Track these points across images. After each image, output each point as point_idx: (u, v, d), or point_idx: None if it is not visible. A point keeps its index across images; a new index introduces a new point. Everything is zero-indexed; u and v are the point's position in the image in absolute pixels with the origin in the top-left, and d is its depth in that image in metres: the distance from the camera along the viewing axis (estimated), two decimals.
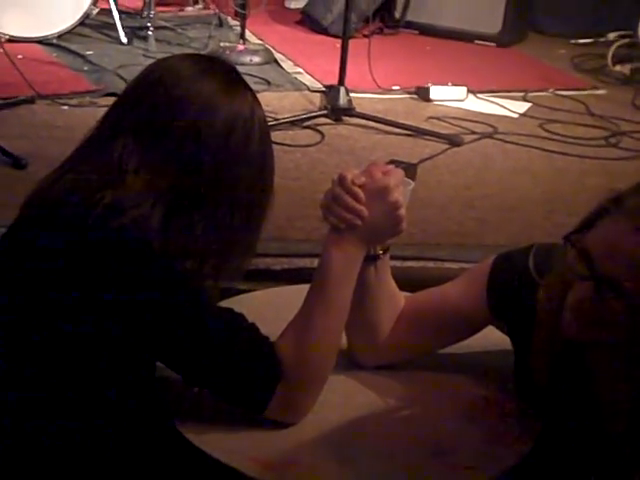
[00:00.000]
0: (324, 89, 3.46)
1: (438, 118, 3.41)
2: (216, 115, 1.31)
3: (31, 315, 1.29)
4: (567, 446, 1.32)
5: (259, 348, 1.30)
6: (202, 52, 3.63)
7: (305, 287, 1.36)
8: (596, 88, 3.98)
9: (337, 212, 1.32)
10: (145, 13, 4.16)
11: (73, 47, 3.86)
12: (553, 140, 3.26)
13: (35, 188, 1.36)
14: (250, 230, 1.39)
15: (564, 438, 1.32)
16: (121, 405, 1.34)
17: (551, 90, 3.88)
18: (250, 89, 1.38)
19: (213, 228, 1.33)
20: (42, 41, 3.88)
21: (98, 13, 4.05)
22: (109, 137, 1.33)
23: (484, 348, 1.52)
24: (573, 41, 4.64)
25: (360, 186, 1.32)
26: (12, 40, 3.71)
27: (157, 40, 4.00)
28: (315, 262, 2.14)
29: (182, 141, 1.30)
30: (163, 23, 4.22)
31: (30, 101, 3.16)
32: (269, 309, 1.40)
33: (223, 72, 1.37)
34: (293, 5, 4.98)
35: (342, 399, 1.41)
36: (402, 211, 1.33)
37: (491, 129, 3.33)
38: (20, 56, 3.51)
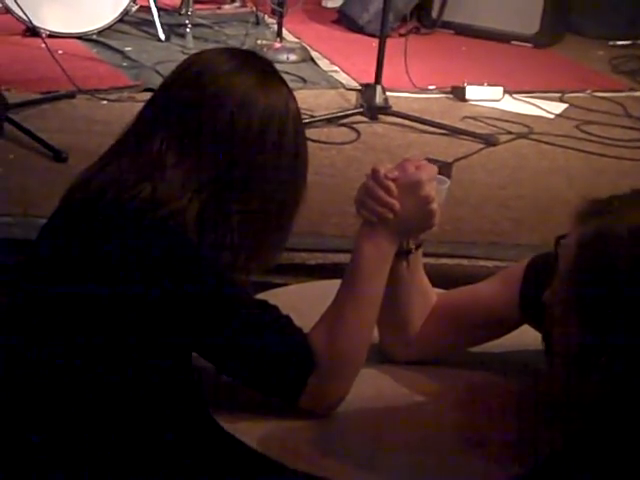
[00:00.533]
0: (360, 87, 3.47)
1: (474, 118, 3.40)
2: (252, 110, 1.33)
3: (69, 307, 1.32)
4: (598, 447, 1.31)
5: (292, 339, 1.31)
6: None
7: (339, 282, 1.37)
8: (634, 90, 3.94)
9: (370, 205, 1.34)
10: (183, 10, 4.21)
11: (112, 43, 3.91)
12: (590, 141, 3.24)
13: (74, 181, 1.39)
14: (282, 224, 1.41)
15: (595, 439, 1.32)
16: (158, 393, 1.36)
17: (588, 91, 3.85)
18: (285, 83, 1.40)
19: (247, 221, 1.35)
20: (82, 37, 3.93)
21: (137, 10, 4.10)
22: (147, 132, 1.35)
23: (519, 347, 1.51)
24: (611, 43, 4.61)
25: (393, 180, 1.33)
26: (52, 35, 3.77)
27: (195, 37, 4.03)
28: (349, 257, 2.19)
29: (219, 136, 1.32)
30: (201, 21, 4.26)
31: (70, 96, 3.21)
32: (303, 303, 1.41)
33: (259, 66, 1.39)
34: (330, 4, 4.99)
35: (374, 392, 1.42)
36: (434, 206, 1.34)
37: (527, 129, 3.32)
38: (60, 51, 3.56)
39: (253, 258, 1.38)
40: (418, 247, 1.44)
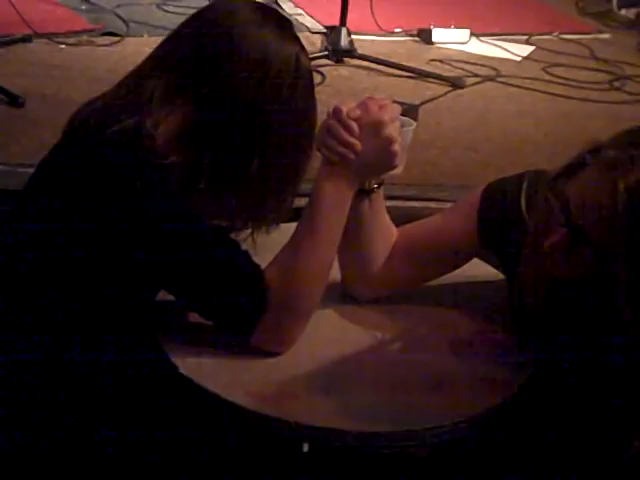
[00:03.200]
0: (325, 31, 3.41)
1: (440, 61, 3.37)
2: (265, 61, 1.31)
3: (48, 235, 1.30)
4: (562, 377, 1.32)
5: (248, 273, 1.30)
6: None
7: (292, 225, 1.35)
8: (601, 32, 3.94)
9: (331, 145, 1.31)
10: None
11: None
12: (557, 84, 3.23)
13: (70, 116, 1.36)
14: (283, 188, 1.38)
15: (559, 369, 1.33)
16: (118, 333, 1.34)
17: (555, 34, 3.83)
18: (299, 41, 1.38)
19: (247, 183, 1.33)
20: None
21: None
22: (148, 72, 1.34)
23: (475, 280, 1.52)
24: None
25: (355, 119, 1.30)
26: None
27: None
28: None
29: (227, 84, 1.30)
30: None
31: (27, 40, 3.12)
32: (263, 245, 1.39)
33: (277, 20, 1.37)
34: None
35: (339, 334, 1.41)
36: (395, 147, 1.31)
37: (494, 72, 3.30)
38: None
39: (254, 219, 1.37)
40: (380, 185, 1.42)
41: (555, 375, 1.33)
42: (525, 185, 1.36)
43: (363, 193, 1.39)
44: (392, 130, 1.31)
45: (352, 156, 1.30)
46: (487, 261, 1.54)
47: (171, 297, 1.34)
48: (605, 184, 1.17)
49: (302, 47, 1.37)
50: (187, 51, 1.33)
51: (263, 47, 1.31)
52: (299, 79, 1.34)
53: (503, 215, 1.37)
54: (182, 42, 1.35)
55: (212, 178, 1.33)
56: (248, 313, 1.30)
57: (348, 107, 1.31)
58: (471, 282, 1.52)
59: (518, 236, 1.32)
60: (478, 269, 1.53)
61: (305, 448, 1.45)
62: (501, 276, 1.48)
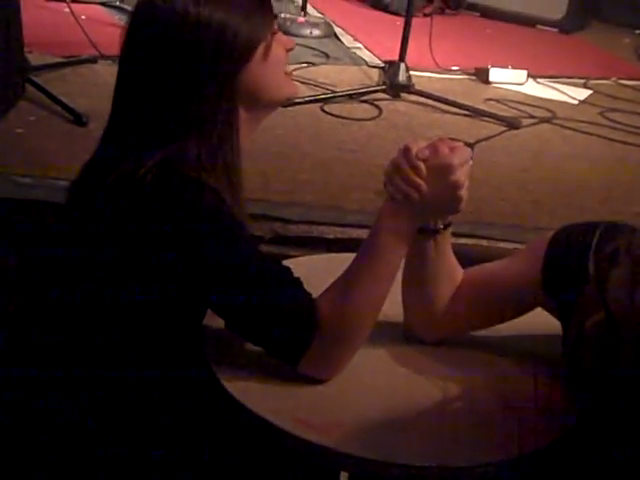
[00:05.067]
0: (383, 65, 3.44)
1: (496, 100, 3.38)
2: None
3: (86, 266, 1.33)
4: (611, 428, 1.31)
5: (300, 301, 1.30)
6: None
7: (352, 255, 1.35)
8: None
9: (396, 183, 1.31)
10: None
11: None
12: (613, 128, 3.21)
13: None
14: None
15: (610, 420, 1.31)
16: (169, 356, 1.36)
17: (613, 79, 3.81)
18: None
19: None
20: (105, 3, 3.91)
21: None
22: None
23: (535, 331, 1.49)
24: (638, 31, 4.57)
25: (423, 160, 1.31)
26: (76, 1, 3.74)
27: None
28: (367, 232, 2.17)
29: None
30: None
31: (92, 61, 3.19)
32: (312, 274, 1.40)
33: None
34: None
35: (388, 366, 1.41)
36: (462, 192, 1.30)
37: (550, 114, 3.29)
38: (83, 17, 3.53)
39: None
40: (447, 227, 1.41)
41: (603, 427, 1.32)
42: (595, 241, 1.31)
43: (429, 233, 1.38)
44: (460, 175, 1.30)
45: (416, 196, 1.30)
46: (552, 311, 1.51)
47: (220, 321, 1.35)
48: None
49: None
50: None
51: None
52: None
53: (568, 268, 1.34)
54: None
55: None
56: (297, 342, 1.30)
57: (418, 147, 1.31)
58: (528, 330, 1.50)
59: (580, 291, 1.30)
60: (539, 318, 1.49)
61: (343, 478, 1.45)
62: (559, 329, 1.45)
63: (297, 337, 1.29)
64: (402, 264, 1.39)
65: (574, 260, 1.34)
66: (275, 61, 1.37)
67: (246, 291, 1.28)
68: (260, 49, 1.34)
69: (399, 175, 1.31)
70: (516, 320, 1.46)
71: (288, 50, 1.41)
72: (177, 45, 1.30)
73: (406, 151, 1.31)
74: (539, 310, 1.48)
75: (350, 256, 1.36)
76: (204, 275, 1.28)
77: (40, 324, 1.39)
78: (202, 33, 1.30)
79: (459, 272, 1.47)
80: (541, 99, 3.47)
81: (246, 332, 1.33)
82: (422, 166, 1.30)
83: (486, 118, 3.16)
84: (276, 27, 1.38)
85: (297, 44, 1.78)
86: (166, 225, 1.26)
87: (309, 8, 4.07)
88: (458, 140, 2.75)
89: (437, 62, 3.59)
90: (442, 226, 1.40)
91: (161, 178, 1.26)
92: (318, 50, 3.65)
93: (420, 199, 1.30)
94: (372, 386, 1.36)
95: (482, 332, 1.48)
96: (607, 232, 1.33)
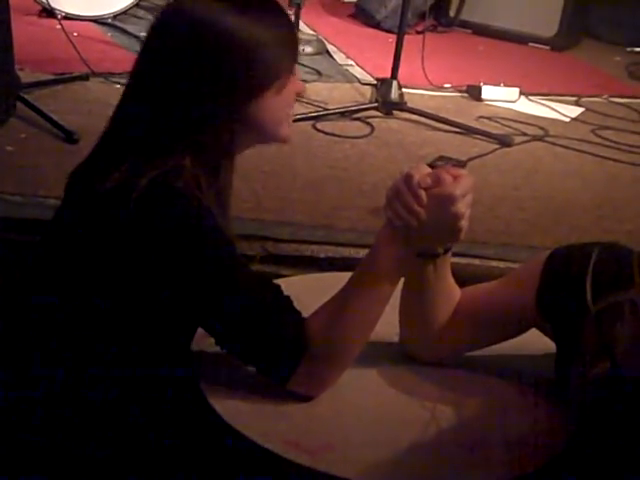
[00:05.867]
0: (375, 82, 3.44)
1: (489, 118, 3.38)
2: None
3: (80, 279, 1.32)
4: (600, 449, 1.30)
5: (290, 320, 1.30)
6: None
7: (343, 275, 1.35)
8: None
9: (396, 208, 1.29)
10: None
11: (128, 28, 3.88)
12: (605, 146, 3.21)
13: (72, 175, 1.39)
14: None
15: (598, 442, 1.30)
16: (154, 375, 1.35)
17: (605, 96, 3.83)
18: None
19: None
20: (97, 20, 3.91)
21: None
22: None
23: (526, 351, 1.49)
24: (629, 49, 4.58)
25: (425, 189, 1.28)
26: (68, 17, 3.74)
27: None
28: (360, 252, 2.17)
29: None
30: None
31: (84, 78, 3.19)
32: (307, 292, 1.39)
33: None
34: None
35: (379, 387, 1.41)
36: (463, 223, 1.29)
37: (542, 132, 3.30)
38: (75, 34, 3.53)
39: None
40: (447, 251, 1.40)
41: (596, 444, 1.31)
42: (592, 264, 1.31)
43: (429, 257, 1.37)
44: (462, 206, 1.28)
45: (415, 224, 1.28)
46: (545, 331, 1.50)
47: (211, 341, 1.34)
48: None
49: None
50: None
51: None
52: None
53: (564, 290, 1.33)
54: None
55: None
56: (285, 362, 1.29)
57: (420, 174, 1.29)
58: (520, 349, 1.49)
59: (576, 316, 1.30)
60: (532, 337, 1.49)
61: None
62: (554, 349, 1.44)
63: (285, 357, 1.29)
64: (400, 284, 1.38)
65: (569, 286, 1.33)
66: (286, 99, 1.36)
67: (236, 308, 1.27)
68: (279, 82, 1.33)
69: (399, 201, 1.29)
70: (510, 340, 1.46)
71: (297, 94, 1.40)
72: (203, 55, 1.28)
73: (408, 178, 1.29)
74: (532, 330, 1.47)
75: (341, 275, 1.36)
76: (194, 290, 1.27)
77: (24, 330, 1.38)
78: (234, 44, 1.28)
79: (457, 293, 1.46)
80: (533, 117, 3.47)
81: (234, 350, 1.33)
82: (423, 194, 1.28)
83: (478, 136, 3.16)
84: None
85: None
86: (159, 239, 1.25)
87: (301, 25, 4.06)
88: (451, 158, 2.77)
89: (429, 79, 3.59)
90: (442, 251, 1.39)
91: (156, 191, 1.25)
92: (310, 67, 3.65)
93: (419, 227, 1.29)
94: (362, 407, 1.35)
95: (476, 352, 1.47)
96: (603, 257, 1.32)
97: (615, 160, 3.09)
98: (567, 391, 1.33)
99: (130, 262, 1.27)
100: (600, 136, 3.31)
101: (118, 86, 3.19)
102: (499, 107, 3.53)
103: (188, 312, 1.31)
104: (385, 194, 1.32)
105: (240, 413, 1.30)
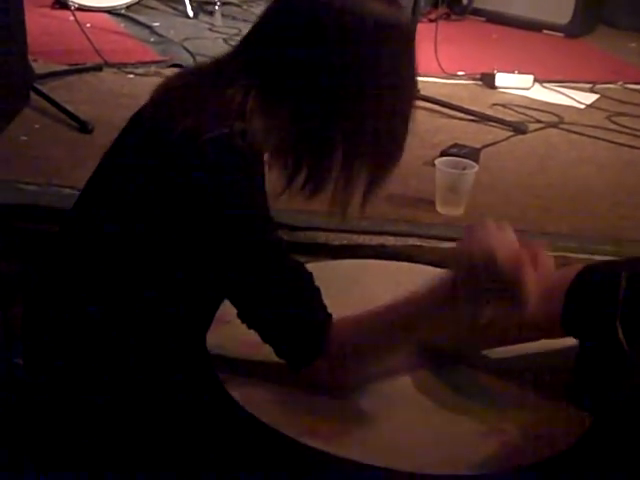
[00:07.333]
0: None
1: (503, 105, 3.36)
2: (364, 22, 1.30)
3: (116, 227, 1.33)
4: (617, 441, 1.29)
5: (315, 313, 1.28)
6: None
7: (357, 262, 1.34)
8: None
9: (467, 281, 1.20)
10: None
11: (140, 18, 3.90)
12: (620, 132, 3.19)
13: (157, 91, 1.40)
14: (391, 156, 1.39)
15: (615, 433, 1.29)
16: (170, 359, 1.37)
17: (620, 83, 3.80)
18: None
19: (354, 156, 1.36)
20: (110, 11, 3.93)
21: None
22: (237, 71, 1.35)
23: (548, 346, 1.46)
24: None
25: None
26: (81, 9, 3.76)
27: (223, 15, 4.00)
28: (373, 239, 2.17)
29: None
30: None
31: (97, 69, 3.21)
32: (321, 280, 1.38)
33: None
34: None
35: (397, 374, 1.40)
36: (528, 307, 1.19)
37: (557, 119, 3.28)
38: (88, 25, 3.55)
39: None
40: None
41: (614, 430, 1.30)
42: (626, 284, 1.27)
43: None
44: (533, 299, 1.18)
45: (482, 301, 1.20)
46: None
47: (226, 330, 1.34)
48: None
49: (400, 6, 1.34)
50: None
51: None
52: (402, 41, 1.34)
53: (593, 310, 1.30)
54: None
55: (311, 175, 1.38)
56: (307, 348, 1.28)
57: (502, 254, 1.18)
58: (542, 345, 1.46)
59: (607, 336, 1.27)
60: None
61: None
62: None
63: (309, 344, 1.28)
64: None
65: (598, 311, 1.29)
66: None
67: (271, 282, 1.26)
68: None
69: (471, 275, 1.20)
70: None
71: None
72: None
73: (491, 260, 1.18)
74: None
75: (355, 263, 1.34)
76: (236, 249, 1.26)
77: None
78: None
79: None
80: (548, 104, 3.45)
81: (258, 324, 1.30)
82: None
83: (492, 123, 3.14)
84: None
85: None
86: (213, 195, 1.24)
87: None
88: (465, 145, 2.73)
89: (443, 67, 3.58)
90: None
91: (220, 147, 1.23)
92: None
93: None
94: (378, 393, 1.35)
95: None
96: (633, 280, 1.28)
97: (630, 147, 3.06)
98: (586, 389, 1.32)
99: (180, 210, 1.26)
100: (615, 123, 3.28)
101: (131, 76, 3.21)
102: (513, 94, 3.51)
103: (221, 274, 1.29)
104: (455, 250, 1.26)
105: (255, 399, 1.30)
